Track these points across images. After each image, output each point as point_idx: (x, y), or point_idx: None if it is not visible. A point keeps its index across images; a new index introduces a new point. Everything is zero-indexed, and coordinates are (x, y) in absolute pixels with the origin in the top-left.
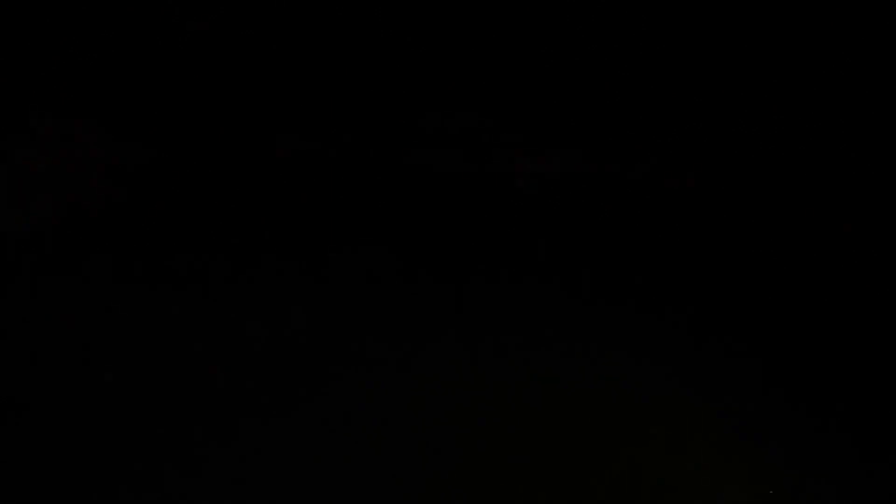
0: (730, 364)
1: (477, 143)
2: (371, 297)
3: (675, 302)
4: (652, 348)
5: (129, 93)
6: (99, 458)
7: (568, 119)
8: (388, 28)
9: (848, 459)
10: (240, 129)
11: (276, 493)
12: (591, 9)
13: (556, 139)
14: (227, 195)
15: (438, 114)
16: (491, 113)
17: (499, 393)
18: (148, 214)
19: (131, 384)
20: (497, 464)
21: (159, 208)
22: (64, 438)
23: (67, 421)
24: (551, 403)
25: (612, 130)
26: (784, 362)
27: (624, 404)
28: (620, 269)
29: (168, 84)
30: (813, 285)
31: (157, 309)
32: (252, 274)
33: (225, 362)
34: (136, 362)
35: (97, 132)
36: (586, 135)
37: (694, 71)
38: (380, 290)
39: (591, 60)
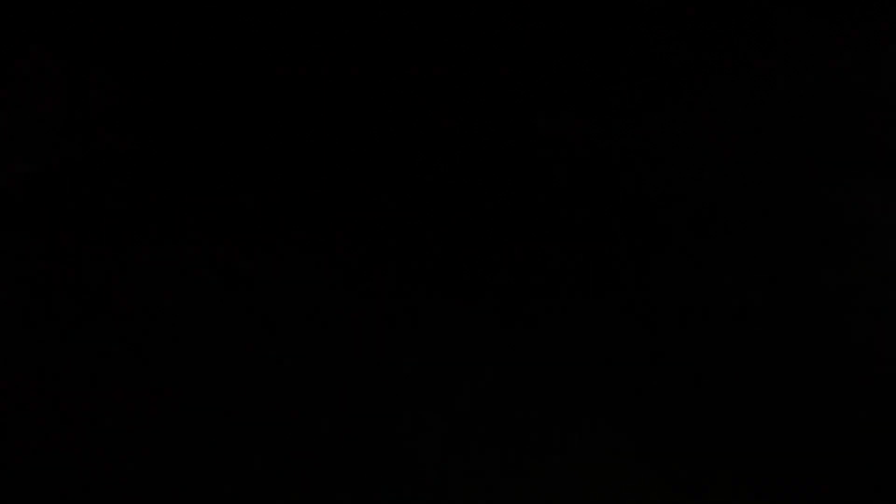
0: None
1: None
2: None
3: None
4: None
5: (141, 40)
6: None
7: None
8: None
9: None
10: (245, 127)
11: None
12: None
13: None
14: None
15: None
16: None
17: None
18: (152, 163)
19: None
20: None
21: (165, 157)
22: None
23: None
24: None
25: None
26: None
27: None
28: None
29: (179, 32)
30: None
31: (155, 261)
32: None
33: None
34: (136, 315)
35: (102, 76)
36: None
37: None
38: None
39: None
